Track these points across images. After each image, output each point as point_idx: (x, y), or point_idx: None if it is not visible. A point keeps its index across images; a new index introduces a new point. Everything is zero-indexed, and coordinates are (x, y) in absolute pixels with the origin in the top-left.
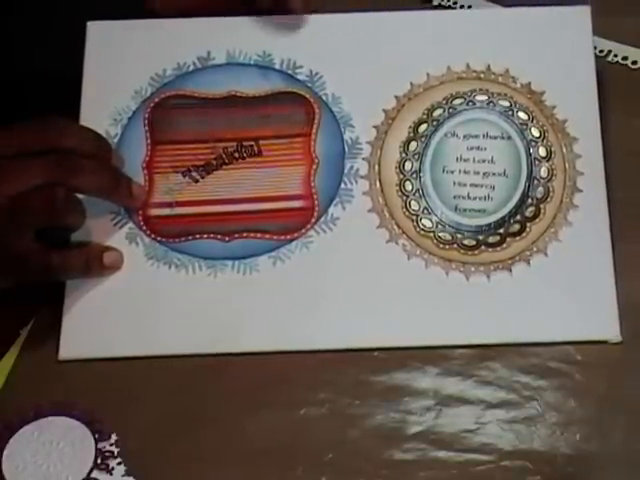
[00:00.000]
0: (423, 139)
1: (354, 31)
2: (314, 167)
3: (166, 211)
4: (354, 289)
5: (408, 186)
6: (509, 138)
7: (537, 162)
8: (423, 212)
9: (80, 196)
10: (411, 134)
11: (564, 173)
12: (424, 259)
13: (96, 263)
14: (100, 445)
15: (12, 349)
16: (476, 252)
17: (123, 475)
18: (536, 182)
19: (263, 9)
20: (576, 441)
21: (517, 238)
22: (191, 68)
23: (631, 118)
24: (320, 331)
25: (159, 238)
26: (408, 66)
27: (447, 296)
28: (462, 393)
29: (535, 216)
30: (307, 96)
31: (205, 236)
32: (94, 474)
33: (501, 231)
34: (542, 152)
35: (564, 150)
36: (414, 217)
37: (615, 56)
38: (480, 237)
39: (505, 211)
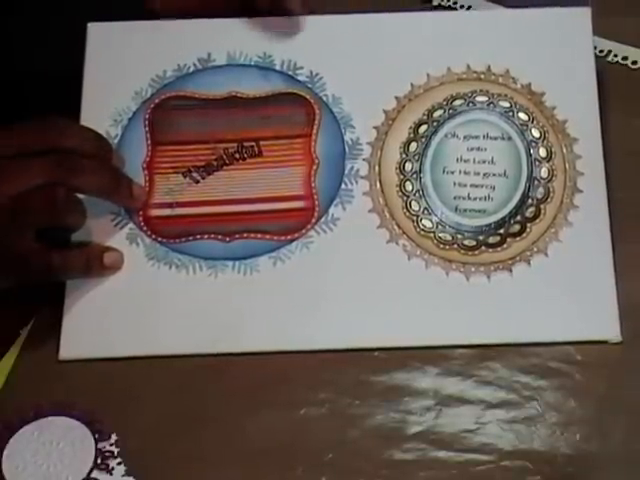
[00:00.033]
0: (423, 140)
1: (354, 32)
2: (314, 168)
3: (166, 212)
4: (354, 289)
5: (408, 187)
6: (509, 139)
7: (537, 163)
8: (423, 212)
9: (80, 196)
10: (411, 135)
11: (564, 174)
12: (424, 259)
13: (97, 263)
14: (100, 445)
15: (12, 349)
16: (476, 252)
17: (123, 475)
18: (536, 183)
19: (262, 10)
20: (576, 441)
21: (517, 238)
22: (191, 69)
23: (631, 118)
24: (320, 331)
25: (160, 239)
26: (408, 67)
27: (447, 296)
28: (462, 393)
29: (535, 216)
30: (307, 97)
31: (206, 236)
32: (94, 474)
33: (501, 231)
34: (542, 153)
35: (564, 151)
36: (414, 217)
37: (615, 56)
38: (480, 237)
39: (505, 211)
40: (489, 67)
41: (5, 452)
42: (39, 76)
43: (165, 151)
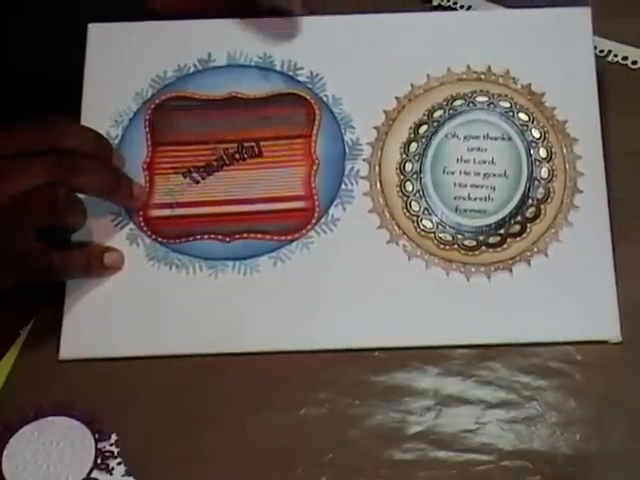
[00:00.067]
0: (424, 140)
1: (354, 32)
2: (315, 168)
3: (167, 212)
4: (354, 289)
5: (409, 187)
6: (509, 139)
7: (537, 163)
8: (424, 213)
9: (81, 196)
10: (412, 135)
11: (564, 174)
12: (425, 260)
13: (97, 263)
14: (100, 445)
15: (12, 349)
16: (477, 253)
17: (123, 475)
18: (537, 183)
19: (263, 11)
20: (576, 441)
21: (517, 239)
22: (192, 70)
23: (631, 118)
24: (320, 331)
25: (160, 239)
26: (408, 67)
27: (448, 296)
28: (462, 393)
29: (536, 217)
30: (308, 97)
31: (206, 237)
32: (94, 474)
33: (502, 232)
34: (542, 153)
35: (564, 151)
36: (415, 218)
37: (615, 56)
38: (481, 238)
39: (506, 212)
40: (489, 67)
41: (5, 452)
42: (39, 76)
43: (165, 151)
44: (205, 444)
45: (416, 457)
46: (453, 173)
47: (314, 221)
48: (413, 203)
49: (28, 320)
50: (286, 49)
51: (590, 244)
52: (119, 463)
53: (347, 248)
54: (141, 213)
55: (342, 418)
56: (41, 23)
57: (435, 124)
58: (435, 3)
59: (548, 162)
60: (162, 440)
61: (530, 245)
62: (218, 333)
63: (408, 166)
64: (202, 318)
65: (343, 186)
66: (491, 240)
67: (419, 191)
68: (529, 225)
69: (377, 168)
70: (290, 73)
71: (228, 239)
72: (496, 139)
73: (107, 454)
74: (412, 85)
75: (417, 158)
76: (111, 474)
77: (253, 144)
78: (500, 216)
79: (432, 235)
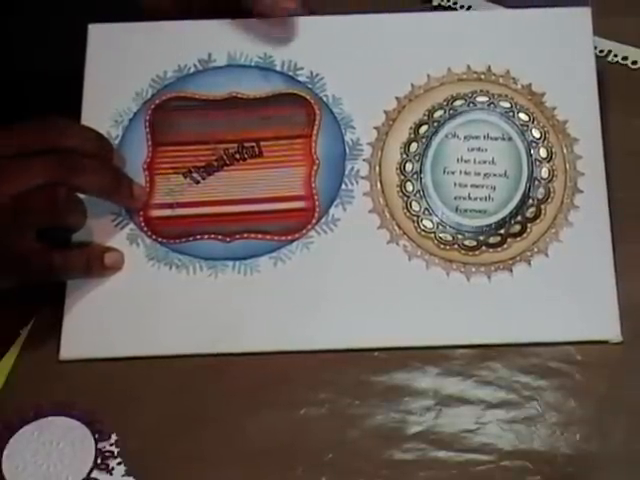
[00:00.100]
0: (424, 140)
1: (354, 32)
2: (315, 168)
3: (167, 212)
4: (355, 290)
5: (409, 187)
6: (510, 139)
7: (538, 163)
8: (424, 213)
9: (81, 196)
10: (412, 135)
11: (565, 174)
12: (425, 260)
13: (97, 263)
14: (100, 445)
15: (12, 349)
16: (477, 253)
17: (123, 475)
18: (537, 183)
19: (263, 11)
20: (576, 441)
21: (518, 239)
22: (192, 70)
23: (631, 118)
24: (321, 331)
25: (160, 239)
26: (408, 67)
27: (448, 296)
28: (462, 393)
29: (536, 217)
30: (308, 97)
31: (206, 237)
32: (94, 474)
33: (502, 232)
34: (543, 153)
35: (565, 151)
36: (415, 218)
37: (615, 56)
38: (481, 238)
39: (506, 212)
40: (489, 67)
41: (5, 452)
42: (39, 76)
43: (165, 152)
44: (205, 444)
45: (416, 457)
46: (453, 173)
47: (314, 221)
48: (413, 203)
49: (28, 320)
50: (286, 49)
51: (590, 244)
52: (119, 463)
53: (347, 248)
54: (141, 213)
55: (342, 418)
56: (41, 23)
57: (435, 124)
58: (435, 3)
59: (548, 162)
60: (162, 440)
61: (530, 245)
62: (218, 333)
63: (408, 166)
64: (202, 318)
65: (343, 186)
66: (491, 240)
67: (419, 191)
68: (529, 225)
69: (377, 168)
70: (290, 73)
71: (228, 239)
72: (496, 139)
73: (107, 454)
74: (412, 85)
75: (417, 158)
76: (111, 474)
77: (253, 144)
78: (500, 216)
79: (432, 235)
